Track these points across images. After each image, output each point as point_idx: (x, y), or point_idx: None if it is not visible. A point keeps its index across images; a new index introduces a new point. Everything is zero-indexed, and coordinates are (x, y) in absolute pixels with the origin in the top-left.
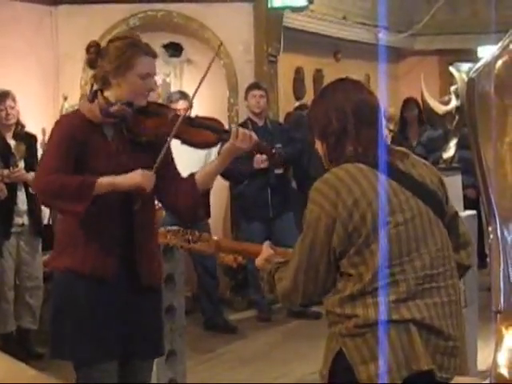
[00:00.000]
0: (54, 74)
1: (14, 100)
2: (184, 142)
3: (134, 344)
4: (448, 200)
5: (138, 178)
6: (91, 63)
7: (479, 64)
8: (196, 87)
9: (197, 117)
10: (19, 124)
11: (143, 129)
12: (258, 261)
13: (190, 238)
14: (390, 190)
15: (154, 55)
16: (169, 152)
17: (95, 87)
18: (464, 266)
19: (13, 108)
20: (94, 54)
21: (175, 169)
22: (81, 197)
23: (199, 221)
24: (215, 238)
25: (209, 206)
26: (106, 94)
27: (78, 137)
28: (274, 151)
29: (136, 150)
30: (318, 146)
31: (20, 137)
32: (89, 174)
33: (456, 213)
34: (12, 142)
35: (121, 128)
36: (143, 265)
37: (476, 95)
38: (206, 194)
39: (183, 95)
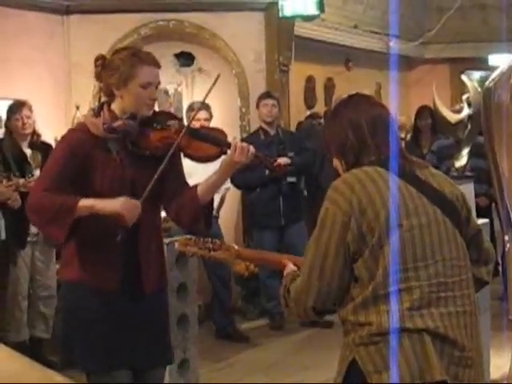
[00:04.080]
0: (66, 83)
1: (30, 109)
2: (186, 155)
3: (142, 352)
4: (470, 214)
5: (118, 206)
6: (98, 76)
7: (495, 73)
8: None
9: (201, 128)
10: (35, 133)
11: (147, 142)
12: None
13: (211, 246)
14: (407, 194)
15: (156, 64)
16: (177, 163)
17: (102, 99)
18: (482, 281)
19: (29, 117)
20: (100, 66)
21: (183, 179)
22: (59, 221)
23: (200, 233)
24: (236, 246)
25: (210, 217)
26: (112, 106)
27: (81, 152)
28: (274, 163)
29: (141, 163)
30: (337, 164)
31: (36, 146)
32: (93, 188)
33: (480, 228)
34: (28, 151)
35: (125, 142)
36: (148, 275)
37: (492, 104)
38: (208, 205)
39: (205, 106)
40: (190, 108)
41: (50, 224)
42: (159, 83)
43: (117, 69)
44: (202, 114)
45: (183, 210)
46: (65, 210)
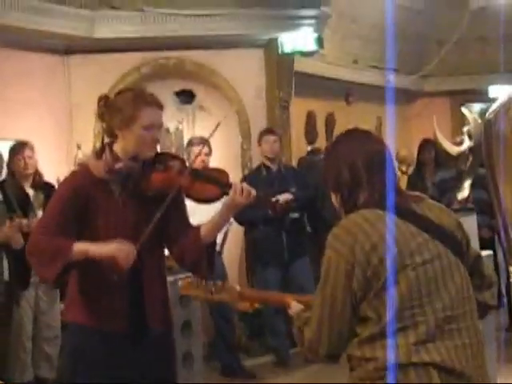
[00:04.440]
0: (67, 123)
1: (32, 150)
2: (187, 196)
3: None
4: (469, 242)
5: (112, 249)
6: (100, 116)
7: (495, 105)
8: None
9: (204, 169)
10: (37, 173)
11: (149, 184)
12: (290, 313)
13: (213, 289)
14: (408, 233)
15: (159, 106)
16: (181, 203)
17: (105, 140)
18: (488, 305)
19: (31, 158)
20: (103, 106)
21: (186, 220)
22: (52, 262)
23: (202, 272)
24: (238, 287)
25: (214, 257)
26: (115, 147)
27: (83, 194)
28: (276, 204)
29: (143, 205)
30: (333, 198)
31: (38, 186)
32: (95, 230)
33: (479, 255)
34: (31, 192)
35: (127, 184)
36: (153, 316)
37: (493, 135)
38: (211, 245)
39: (204, 141)
40: (190, 143)
41: (43, 266)
42: (162, 124)
43: (119, 110)
44: (202, 149)
45: (186, 250)
46: (59, 253)
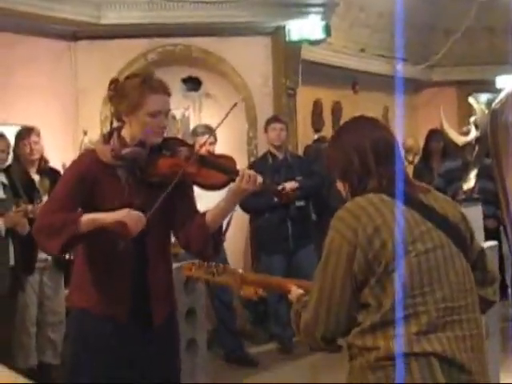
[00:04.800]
0: (73, 108)
1: (38, 135)
2: (194, 183)
3: (150, 378)
4: (473, 236)
5: (121, 215)
6: (110, 100)
7: (502, 95)
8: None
9: (211, 155)
10: (43, 159)
11: (156, 169)
12: (290, 298)
13: (215, 270)
14: (412, 220)
15: (166, 92)
16: (188, 190)
17: (114, 124)
18: (489, 301)
19: (37, 143)
20: (113, 90)
21: (193, 207)
22: (59, 233)
23: (208, 259)
24: (240, 270)
25: (219, 244)
26: (123, 132)
27: (89, 179)
28: (282, 191)
29: (149, 191)
30: (340, 186)
31: (44, 172)
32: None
33: (482, 249)
34: (36, 177)
35: (133, 169)
36: (157, 304)
37: (499, 126)
38: (217, 232)
39: (208, 129)
40: (194, 132)
41: (50, 239)
42: (169, 111)
43: (126, 96)
44: (208, 139)
45: (192, 237)
46: (66, 224)
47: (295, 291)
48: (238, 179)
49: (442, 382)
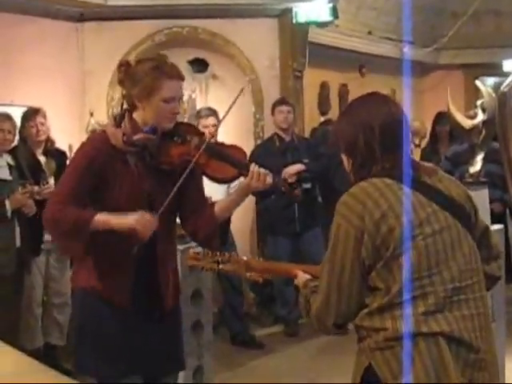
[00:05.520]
0: (80, 90)
1: (44, 117)
2: (204, 174)
3: (155, 361)
4: (477, 214)
5: (132, 221)
6: (120, 82)
7: (510, 79)
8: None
9: (221, 145)
10: (49, 140)
11: (166, 156)
12: (296, 283)
13: (220, 259)
14: (418, 203)
15: (180, 78)
16: (197, 179)
17: (124, 106)
18: (495, 277)
19: (43, 124)
20: (123, 73)
21: (202, 196)
22: (76, 235)
23: (214, 249)
24: (244, 258)
25: (226, 234)
26: (134, 115)
27: (99, 163)
28: (290, 185)
29: (159, 176)
30: (345, 160)
31: (50, 153)
32: (110, 200)
33: (487, 227)
34: (42, 159)
35: (143, 155)
36: (166, 288)
37: (507, 109)
38: (225, 223)
39: (212, 112)
40: (198, 115)
41: (66, 237)
42: (182, 96)
43: (140, 81)
44: (210, 121)
45: (200, 227)
46: (80, 225)
47: (302, 276)
48: (248, 177)
49: (449, 362)
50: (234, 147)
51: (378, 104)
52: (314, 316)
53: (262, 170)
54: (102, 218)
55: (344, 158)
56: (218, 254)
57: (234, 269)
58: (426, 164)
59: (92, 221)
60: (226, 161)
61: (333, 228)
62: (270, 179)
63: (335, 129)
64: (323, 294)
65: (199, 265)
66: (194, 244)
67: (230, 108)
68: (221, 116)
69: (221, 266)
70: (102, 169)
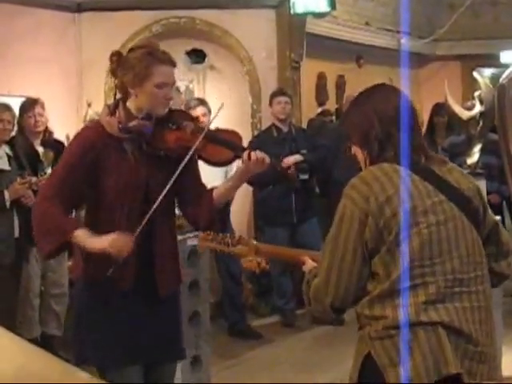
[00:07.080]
0: (77, 80)
1: (42, 107)
2: (200, 158)
3: (154, 349)
4: (486, 209)
5: (105, 244)
6: (113, 72)
7: (509, 70)
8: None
9: (217, 130)
10: (47, 131)
11: (162, 143)
12: (303, 269)
13: (230, 241)
14: (425, 192)
15: (172, 64)
16: (194, 165)
17: (118, 96)
18: (504, 275)
19: (41, 115)
20: (116, 63)
21: (199, 182)
22: (50, 237)
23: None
24: (254, 241)
25: (226, 219)
26: (128, 103)
27: (94, 152)
28: (289, 170)
29: (155, 163)
30: (358, 152)
31: (48, 144)
32: (107, 188)
33: (497, 222)
34: (40, 149)
35: (140, 142)
36: (162, 277)
37: (506, 101)
38: (224, 208)
39: (201, 101)
40: (187, 105)
41: (42, 236)
42: (175, 82)
43: (132, 68)
44: (200, 110)
45: (199, 213)
46: (59, 232)
47: (310, 263)
48: (246, 160)
49: (449, 351)
50: (229, 131)
51: (388, 93)
52: (312, 294)
53: (259, 153)
54: (80, 235)
55: (357, 149)
56: (229, 236)
57: (244, 251)
58: (436, 154)
59: (71, 235)
60: (222, 144)
61: (338, 208)
62: (268, 160)
63: (347, 121)
64: (324, 273)
65: (209, 246)
66: (191, 235)
67: (211, 123)
68: (211, 110)
69: (231, 248)
70: (98, 158)
